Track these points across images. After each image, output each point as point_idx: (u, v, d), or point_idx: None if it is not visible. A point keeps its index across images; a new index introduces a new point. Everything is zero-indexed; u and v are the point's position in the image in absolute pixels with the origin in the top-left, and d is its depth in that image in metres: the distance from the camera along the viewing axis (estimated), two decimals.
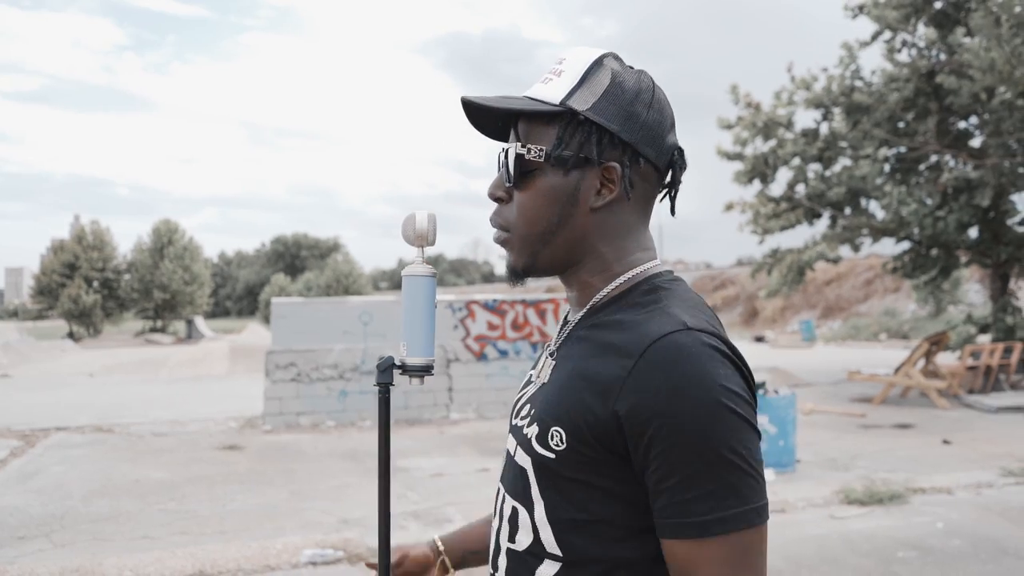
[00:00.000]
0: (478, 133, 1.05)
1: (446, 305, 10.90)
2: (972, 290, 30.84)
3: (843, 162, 13.87)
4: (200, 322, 45.45)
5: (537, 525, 0.93)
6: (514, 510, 0.97)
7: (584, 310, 1.00)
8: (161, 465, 7.55)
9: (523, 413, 1.00)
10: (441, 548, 1.28)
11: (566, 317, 1.08)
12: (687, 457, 0.82)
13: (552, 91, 0.96)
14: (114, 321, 48.82)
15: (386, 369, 0.99)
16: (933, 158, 13.50)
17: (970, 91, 11.59)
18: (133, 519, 5.69)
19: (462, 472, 7.09)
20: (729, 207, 14.71)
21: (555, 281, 1.06)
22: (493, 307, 10.82)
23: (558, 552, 0.92)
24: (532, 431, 0.94)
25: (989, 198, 11.98)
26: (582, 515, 0.90)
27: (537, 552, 0.93)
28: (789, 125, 13.80)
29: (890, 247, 15.02)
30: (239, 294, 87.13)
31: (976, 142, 13.53)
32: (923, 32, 12.51)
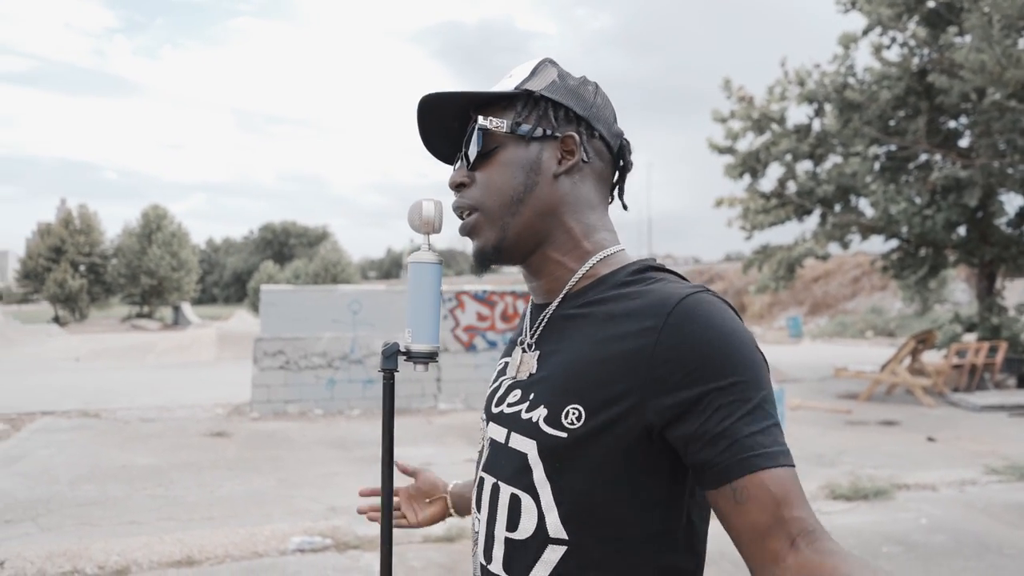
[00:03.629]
0: (433, 159, 1.10)
1: None
2: (958, 289, 31.05)
3: (833, 159, 13.93)
4: (187, 308, 45.18)
5: (544, 510, 0.92)
6: (514, 497, 0.95)
7: (561, 295, 1.00)
8: (148, 451, 7.53)
9: (510, 400, 0.99)
10: (449, 489, 1.34)
11: (529, 307, 1.08)
12: (743, 399, 0.84)
13: (505, 86, 1.03)
14: (100, 306, 48.51)
15: (391, 355, 0.99)
16: (923, 157, 13.57)
17: (961, 91, 11.65)
18: (120, 504, 5.68)
19: (450, 462, 7.10)
20: (719, 203, 14.76)
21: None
22: (483, 298, 10.82)
23: (564, 536, 0.91)
24: (539, 413, 0.94)
25: (977, 198, 12.05)
26: (590, 496, 0.90)
27: (541, 538, 0.93)
28: (782, 120, 13.84)
29: (878, 245, 15.11)
30: (227, 281, 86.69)
31: (965, 142, 13.61)
32: (914, 30, 12.55)
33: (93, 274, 46.93)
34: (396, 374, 1.01)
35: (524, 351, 1.02)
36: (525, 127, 0.99)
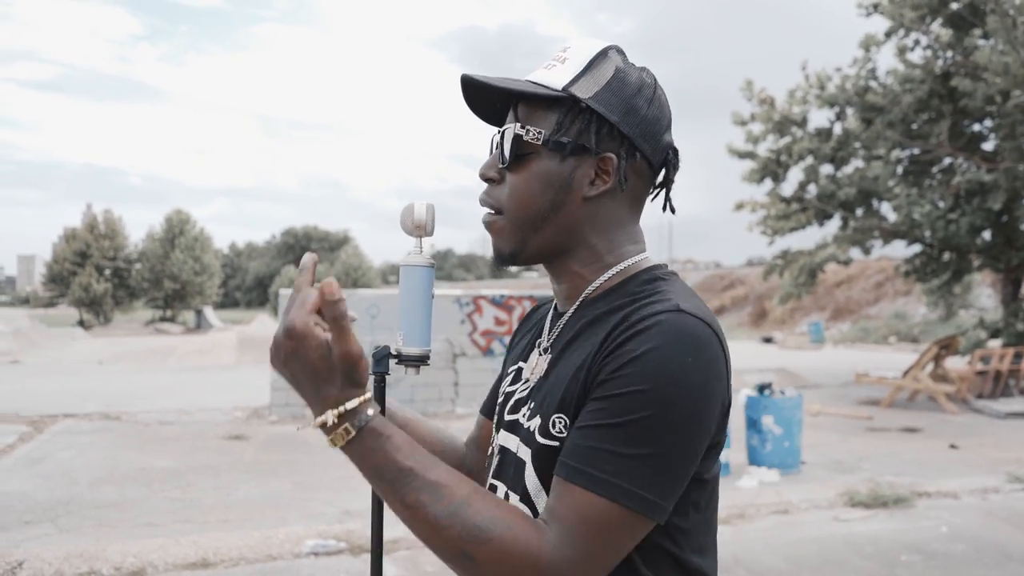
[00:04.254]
0: (473, 115, 1.05)
1: (453, 300, 10.89)
2: (983, 294, 30.60)
3: (855, 163, 13.80)
4: (209, 312, 45.60)
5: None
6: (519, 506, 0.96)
7: (576, 304, 1.00)
8: (167, 453, 7.59)
9: (522, 410, 1.00)
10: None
11: (552, 311, 1.08)
12: (616, 411, 0.83)
13: (555, 77, 0.96)
14: (124, 310, 49.05)
15: (382, 359, 0.99)
16: (946, 160, 13.41)
17: (985, 94, 11.50)
18: (138, 506, 5.73)
19: None
20: (739, 206, 14.65)
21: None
22: (500, 302, 10.82)
23: None
24: (535, 423, 0.94)
25: (1002, 202, 11.89)
26: None
27: None
28: (803, 123, 13.73)
29: (901, 250, 14.93)
30: (249, 285, 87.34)
31: (989, 145, 13.43)
32: (937, 33, 12.40)
33: (117, 278, 47.48)
34: (388, 377, 1.00)
35: (540, 354, 1.03)
36: (563, 139, 0.94)
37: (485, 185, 1.02)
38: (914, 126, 13.17)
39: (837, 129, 13.75)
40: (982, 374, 11.84)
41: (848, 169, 13.80)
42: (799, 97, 13.73)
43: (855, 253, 14.36)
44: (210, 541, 4.74)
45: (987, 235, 13.41)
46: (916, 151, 13.30)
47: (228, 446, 8.03)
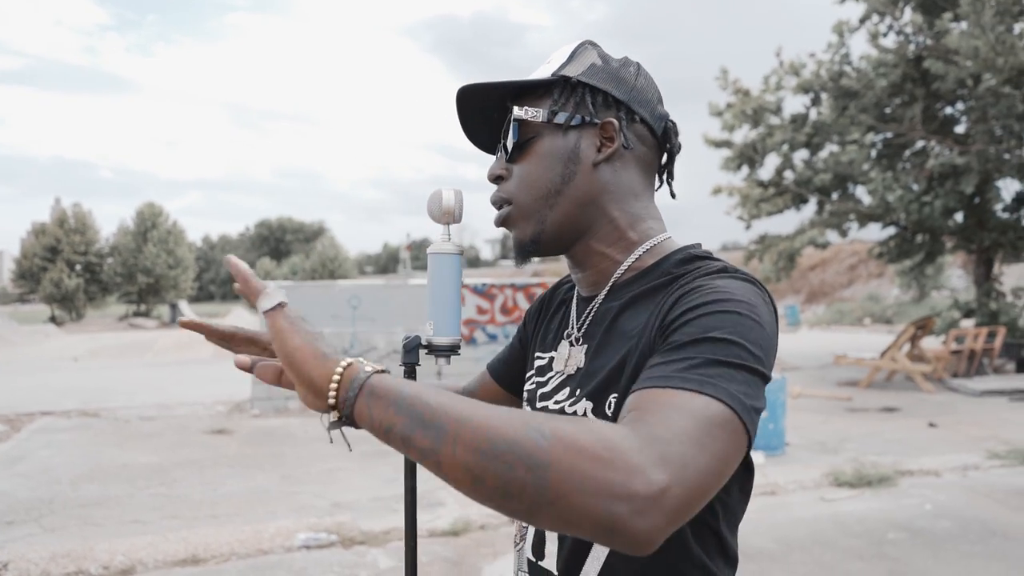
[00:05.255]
0: (472, 145, 1.07)
1: None
2: (954, 275, 31.12)
3: (830, 148, 13.92)
4: (184, 306, 45.07)
5: None
6: None
7: (608, 286, 0.97)
8: (149, 449, 7.50)
9: (559, 397, 0.98)
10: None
11: (576, 297, 1.05)
12: (703, 329, 0.77)
13: (542, 73, 0.99)
14: (97, 305, 48.38)
15: (412, 349, 0.97)
16: (919, 144, 13.57)
17: (956, 77, 11.64)
18: (123, 503, 5.65)
19: None
20: (717, 191, 14.73)
21: (543, 264, 1.03)
22: (482, 291, 10.80)
23: None
24: (583, 406, 0.93)
25: (974, 184, 12.06)
26: None
27: None
28: (778, 111, 13.82)
29: (874, 233, 15.14)
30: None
31: (962, 128, 13.61)
32: (910, 17, 12.53)
33: (89, 273, 46.80)
34: (417, 368, 0.99)
35: (572, 344, 1.00)
36: (562, 115, 0.95)
37: (486, 190, 1.03)
38: (887, 110, 13.31)
39: (812, 115, 13.86)
40: (957, 353, 12.05)
41: (823, 154, 13.93)
42: (773, 84, 13.82)
43: (831, 236, 14.53)
44: (199, 537, 4.70)
45: (959, 217, 13.62)
46: (890, 135, 13.44)
47: (211, 440, 7.95)
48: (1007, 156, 12.08)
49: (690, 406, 0.69)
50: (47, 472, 6.57)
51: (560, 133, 0.96)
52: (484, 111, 1.02)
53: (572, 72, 0.97)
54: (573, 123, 0.95)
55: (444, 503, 5.49)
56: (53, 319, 42.83)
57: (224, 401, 10.43)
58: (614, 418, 0.87)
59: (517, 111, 0.96)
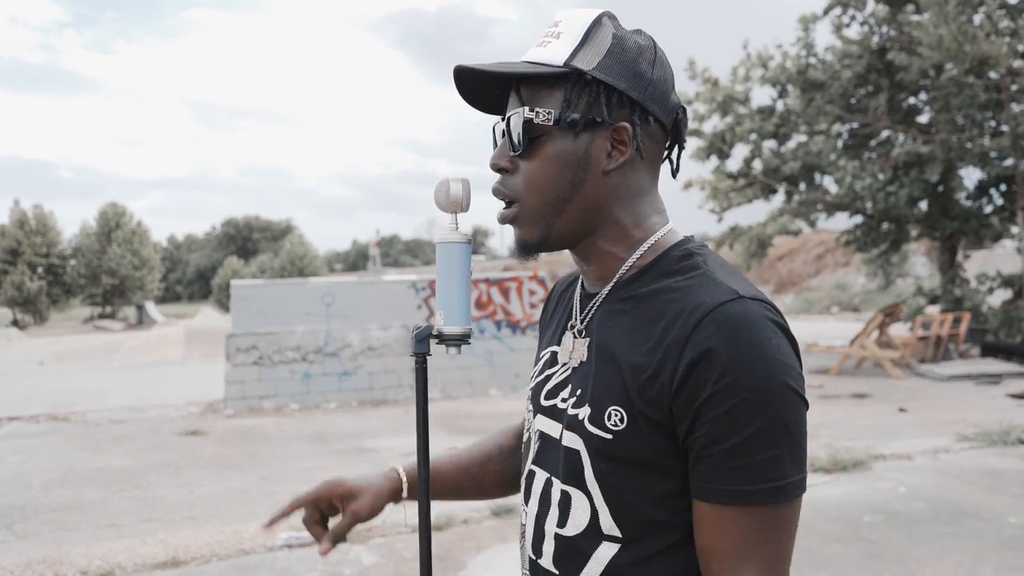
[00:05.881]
0: (469, 106, 1.01)
1: (409, 285, 10.82)
2: (919, 263, 31.70)
3: (798, 138, 14.10)
4: (151, 307, 44.40)
5: (596, 508, 0.91)
6: (565, 494, 0.94)
7: (611, 283, 0.97)
8: (123, 452, 7.39)
9: (564, 395, 0.98)
10: (403, 477, 1.19)
11: (579, 290, 1.04)
12: (740, 426, 0.81)
13: (552, 54, 0.92)
14: (61, 308, 47.40)
15: (423, 339, 0.97)
16: (884, 134, 13.79)
17: (920, 67, 11.84)
18: (98, 508, 5.57)
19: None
20: (688, 185, 14.86)
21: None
22: None
23: (617, 533, 0.90)
24: (584, 412, 0.92)
25: (938, 173, 12.29)
26: (641, 494, 0.89)
27: (593, 535, 0.92)
28: (746, 101, 13.96)
29: (841, 223, 15.34)
30: (190, 278, 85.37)
31: (925, 118, 13.86)
32: (874, 9, 12.72)
33: (52, 275, 45.80)
34: (418, 361, 0.98)
35: (575, 336, 0.99)
36: (574, 116, 0.91)
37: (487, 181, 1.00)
38: (853, 100, 13.51)
39: (780, 106, 14.02)
40: (924, 339, 12.29)
41: (791, 144, 14.10)
42: (741, 75, 13.95)
43: (800, 225, 14.72)
44: (179, 539, 4.65)
45: (924, 205, 13.86)
46: (856, 125, 13.64)
47: (186, 442, 7.85)
48: (969, 145, 12.33)
49: (762, 523, 0.84)
50: (18, 478, 6.45)
51: (571, 135, 0.92)
52: (485, 85, 0.98)
53: (586, 64, 0.91)
54: (584, 127, 0.92)
55: None
56: (16, 323, 41.93)
57: (197, 402, 10.30)
58: (611, 428, 0.89)
59: (528, 113, 0.92)
